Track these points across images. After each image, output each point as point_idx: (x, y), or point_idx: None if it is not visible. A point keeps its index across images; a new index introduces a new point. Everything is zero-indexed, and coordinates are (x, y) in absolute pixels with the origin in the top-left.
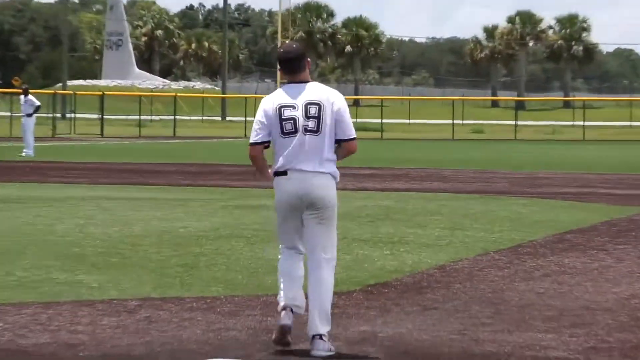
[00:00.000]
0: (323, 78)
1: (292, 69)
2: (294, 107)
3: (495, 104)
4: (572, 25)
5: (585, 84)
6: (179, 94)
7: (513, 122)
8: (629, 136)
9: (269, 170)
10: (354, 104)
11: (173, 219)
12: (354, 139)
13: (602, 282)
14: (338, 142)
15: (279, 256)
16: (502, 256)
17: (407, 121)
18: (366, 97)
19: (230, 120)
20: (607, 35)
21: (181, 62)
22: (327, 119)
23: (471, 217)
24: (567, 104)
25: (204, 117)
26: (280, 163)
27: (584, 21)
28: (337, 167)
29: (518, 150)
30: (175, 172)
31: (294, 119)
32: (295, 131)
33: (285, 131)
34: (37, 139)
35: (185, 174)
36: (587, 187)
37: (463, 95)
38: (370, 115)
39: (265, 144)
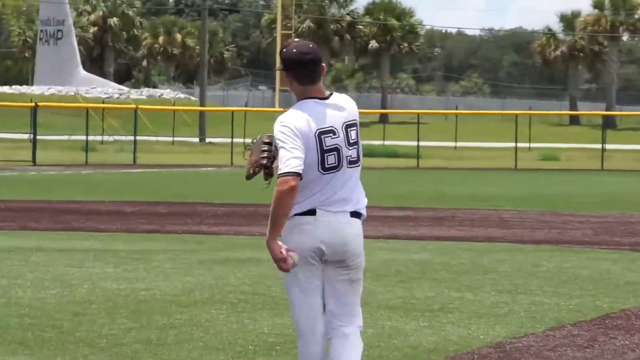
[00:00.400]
0: (339, 85)
1: (310, 76)
2: (334, 133)
3: (574, 120)
4: None
5: None
6: (140, 106)
7: (599, 146)
8: None
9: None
10: (381, 121)
11: (131, 279)
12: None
13: None
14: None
15: (303, 348)
16: (583, 330)
17: (452, 144)
18: (397, 111)
19: (210, 143)
20: None
21: (144, 62)
22: (360, 141)
23: (540, 277)
24: None
25: (176, 138)
26: (308, 203)
27: None
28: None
29: (605, 184)
30: (135, 214)
31: (337, 150)
32: (338, 165)
33: (327, 166)
34: None
35: (148, 217)
36: None
37: (530, 109)
38: (403, 135)
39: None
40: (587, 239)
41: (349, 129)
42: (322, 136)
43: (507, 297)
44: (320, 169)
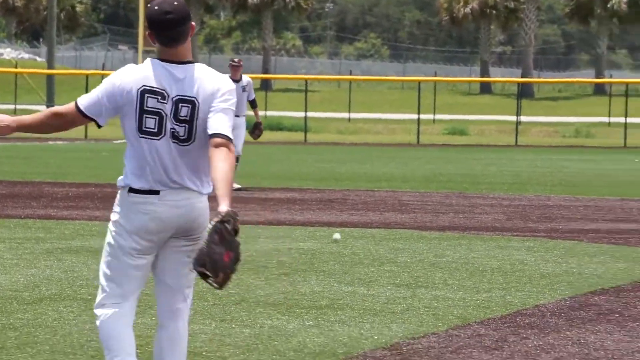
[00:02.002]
0: (214, 45)
1: (172, 38)
2: (162, 97)
3: (486, 88)
4: None
5: (631, 57)
6: None
7: (514, 118)
8: None
9: (121, 184)
10: (262, 88)
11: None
12: (226, 137)
13: None
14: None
15: (99, 313)
16: (491, 329)
17: (346, 115)
18: (282, 76)
19: None
20: None
21: None
22: (202, 123)
23: (444, 269)
24: (599, 89)
25: (18, 106)
26: (138, 176)
27: None
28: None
29: (520, 163)
30: None
31: (159, 114)
32: (159, 133)
33: (143, 129)
34: None
35: None
36: (628, 222)
37: (436, 75)
38: (288, 105)
39: (94, 122)
40: (497, 224)
41: (180, 104)
42: (146, 94)
43: (406, 291)
44: (137, 131)
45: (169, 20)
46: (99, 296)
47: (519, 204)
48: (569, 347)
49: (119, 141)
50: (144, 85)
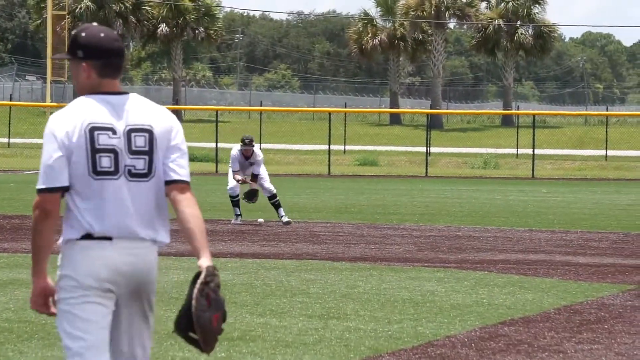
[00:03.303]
0: (124, 75)
1: (117, 67)
2: (113, 132)
3: (396, 119)
4: None
5: (537, 89)
6: None
7: (423, 149)
8: (603, 172)
9: (59, 240)
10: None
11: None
12: (187, 183)
13: None
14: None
15: None
16: None
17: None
18: (192, 107)
19: None
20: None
21: None
22: (160, 155)
23: (356, 299)
24: (507, 121)
25: None
26: (93, 223)
27: None
28: None
29: (430, 193)
30: None
31: (114, 152)
32: (116, 171)
33: (98, 169)
34: None
35: None
36: (537, 252)
37: (346, 106)
38: (200, 136)
39: (65, 190)
40: (408, 255)
41: (132, 134)
42: (95, 132)
43: (318, 322)
44: (92, 173)
45: (117, 49)
46: None
47: (430, 235)
48: None
49: (27, 172)
50: (90, 123)
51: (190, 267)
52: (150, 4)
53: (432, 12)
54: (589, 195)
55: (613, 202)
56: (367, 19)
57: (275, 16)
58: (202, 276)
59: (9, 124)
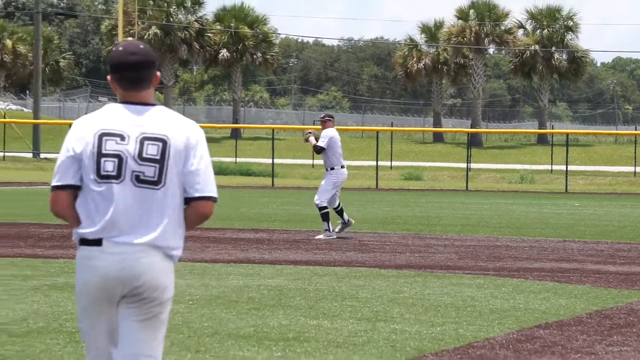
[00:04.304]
0: (188, 97)
1: (133, 80)
2: (122, 138)
3: (439, 137)
4: (552, 24)
5: (570, 110)
6: None
7: (464, 165)
8: (631, 187)
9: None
10: (233, 136)
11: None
12: (211, 198)
13: None
14: (187, 202)
15: None
16: None
17: (310, 162)
18: (251, 125)
19: (46, 158)
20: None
21: None
22: (174, 166)
23: (401, 304)
24: (542, 139)
25: (7, 153)
26: (90, 226)
27: (570, 18)
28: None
29: (470, 206)
30: None
31: (119, 157)
32: (119, 176)
33: (102, 173)
34: None
35: None
36: (570, 261)
37: (392, 125)
38: (257, 153)
39: (76, 189)
40: (450, 263)
41: (146, 142)
42: (104, 138)
43: (366, 325)
44: (96, 177)
45: (132, 62)
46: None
47: (470, 245)
48: None
49: None
50: (101, 129)
51: (248, 272)
52: (212, 31)
53: (473, 38)
54: (619, 209)
55: None
56: (412, 44)
57: (327, 42)
58: None
59: None
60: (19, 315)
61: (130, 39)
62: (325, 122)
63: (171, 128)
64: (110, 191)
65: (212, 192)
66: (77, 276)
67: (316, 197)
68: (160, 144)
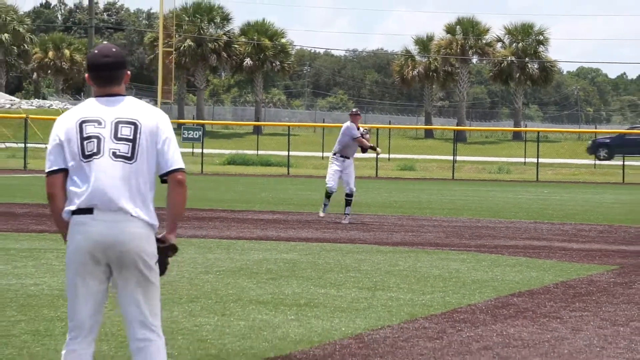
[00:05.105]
0: (217, 98)
1: (106, 78)
2: (99, 123)
3: (429, 134)
4: (526, 38)
5: (541, 111)
6: (31, 116)
7: (451, 158)
8: (592, 177)
9: (63, 212)
10: (255, 132)
11: (21, 275)
12: (181, 169)
13: (554, 357)
14: (163, 178)
15: (68, 343)
16: (433, 323)
17: (320, 154)
18: (270, 123)
19: None
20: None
21: (34, 75)
22: (145, 144)
23: (396, 275)
24: (517, 136)
25: None
26: (80, 197)
27: (541, 33)
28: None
29: (456, 193)
30: (25, 215)
31: (97, 138)
32: (98, 152)
33: (86, 153)
34: None
35: (38, 218)
36: (539, 240)
37: (390, 123)
38: (275, 146)
39: (66, 172)
40: (438, 241)
41: (120, 124)
42: (84, 124)
43: (367, 293)
44: (81, 157)
45: (106, 62)
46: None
47: (455, 225)
48: (494, 337)
49: None
50: (81, 118)
51: (266, 248)
52: (238, 42)
53: (459, 50)
54: (581, 195)
55: (599, 201)
56: (407, 55)
57: (336, 52)
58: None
59: None
60: None
61: (105, 42)
62: (355, 116)
63: (141, 114)
64: (93, 164)
65: (181, 164)
66: (68, 243)
67: (353, 185)
68: (132, 127)
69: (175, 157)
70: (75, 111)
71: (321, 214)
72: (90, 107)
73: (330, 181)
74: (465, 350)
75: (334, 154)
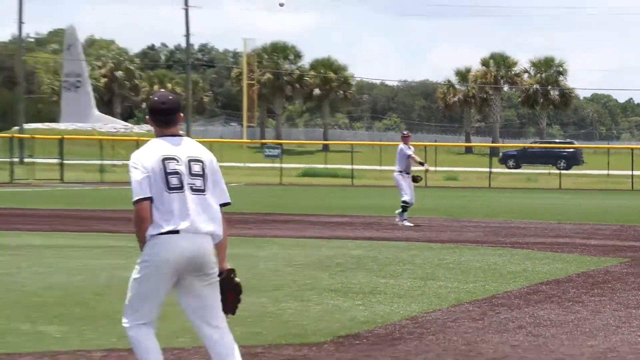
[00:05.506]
0: (291, 122)
1: (166, 121)
2: (177, 161)
3: (469, 150)
4: (548, 69)
5: (562, 130)
6: (141, 138)
7: (487, 169)
8: (606, 185)
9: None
10: (323, 150)
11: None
12: (229, 203)
13: (577, 335)
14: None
15: (132, 334)
16: (476, 307)
17: (379, 167)
18: (335, 142)
19: None
20: (583, 80)
21: (143, 105)
22: (210, 178)
23: (444, 267)
24: None
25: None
26: (167, 223)
27: (560, 65)
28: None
29: (492, 199)
30: None
31: (179, 173)
32: (181, 187)
33: (171, 186)
34: None
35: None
36: (563, 237)
37: (436, 141)
38: (340, 160)
39: (151, 200)
40: (478, 239)
41: (191, 162)
42: (166, 161)
43: (420, 282)
44: (166, 189)
45: (163, 109)
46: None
47: (492, 226)
48: (527, 318)
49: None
50: (162, 155)
51: (336, 246)
52: (308, 75)
53: (492, 79)
54: (597, 201)
55: (612, 205)
56: (449, 84)
57: (389, 82)
58: (236, 279)
59: (220, 152)
60: None
61: (162, 90)
62: (406, 138)
63: (202, 153)
64: (177, 196)
65: (229, 199)
66: (152, 256)
67: (413, 196)
68: (201, 164)
69: (226, 189)
70: (153, 149)
71: (407, 223)
72: (165, 146)
73: (409, 193)
74: (503, 329)
75: (399, 172)
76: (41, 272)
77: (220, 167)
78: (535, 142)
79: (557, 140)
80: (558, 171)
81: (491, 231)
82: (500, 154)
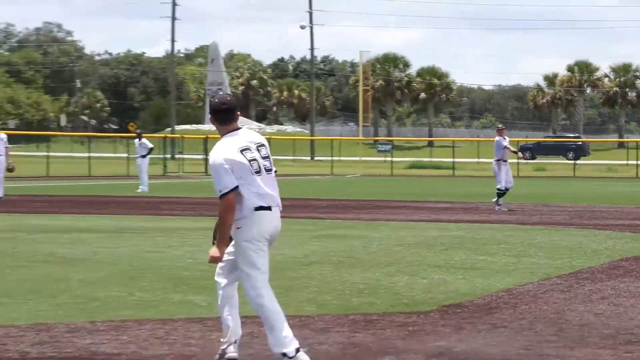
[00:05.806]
0: (400, 122)
1: (228, 119)
2: (250, 150)
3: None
4: (627, 74)
5: (638, 126)
6: (272, 137)
7: (572, 161)
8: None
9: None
10: (429, 145)
11: (273, 247)
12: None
13: None
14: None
15: (263, 293)
16: (563, 281)
17: (476, 160)
18: (439, 138)
19: (318, 160)
20: None
21: (274, 108)
22: (270, 158)
23: (535, 246)
24: (621, 145)
25: (295, 157)
26: (257, 199)
27: (637, 70)
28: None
29: (577, 186)
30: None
31: (255, 160)
32: (260, 170)
33: (254, 170)
34: (150, 177)
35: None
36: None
37: (526, 137)
38: (443, 155)
39: (235, 189)
40: (565, 221)
41: (259, 147)
42: (243, 152)
43: (514, 259)
44: (252, 173)
45: (223, 108)
46: (255, 282)
47: (577, 210)
48: (609, 290)
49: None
50: (239, 147)
51: (439, 227)
52: (415, 82)
53: (577, 83)
54: None
55: None
56: (538, 88)
57: (486, 87)
58: None
59: (340, 149)
60: (305, 253)
61: (221, 92)
62: (501, 130)
63: (261, 138)
64: (260, 178)
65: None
66: (255, 227)
67: (511, 182)
68: (265, 148)
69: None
70: (228, 145)
71: (504, 208)
72: (236, 140)
73: (503, 182)
74: (588, 299)
75: (497, 160)
76: (189, 250)
77: (339, 161)
78: (547, 137)
79: (569, 135)
80: (635, 162)
81: (576, 214)
82: (519, 146)
